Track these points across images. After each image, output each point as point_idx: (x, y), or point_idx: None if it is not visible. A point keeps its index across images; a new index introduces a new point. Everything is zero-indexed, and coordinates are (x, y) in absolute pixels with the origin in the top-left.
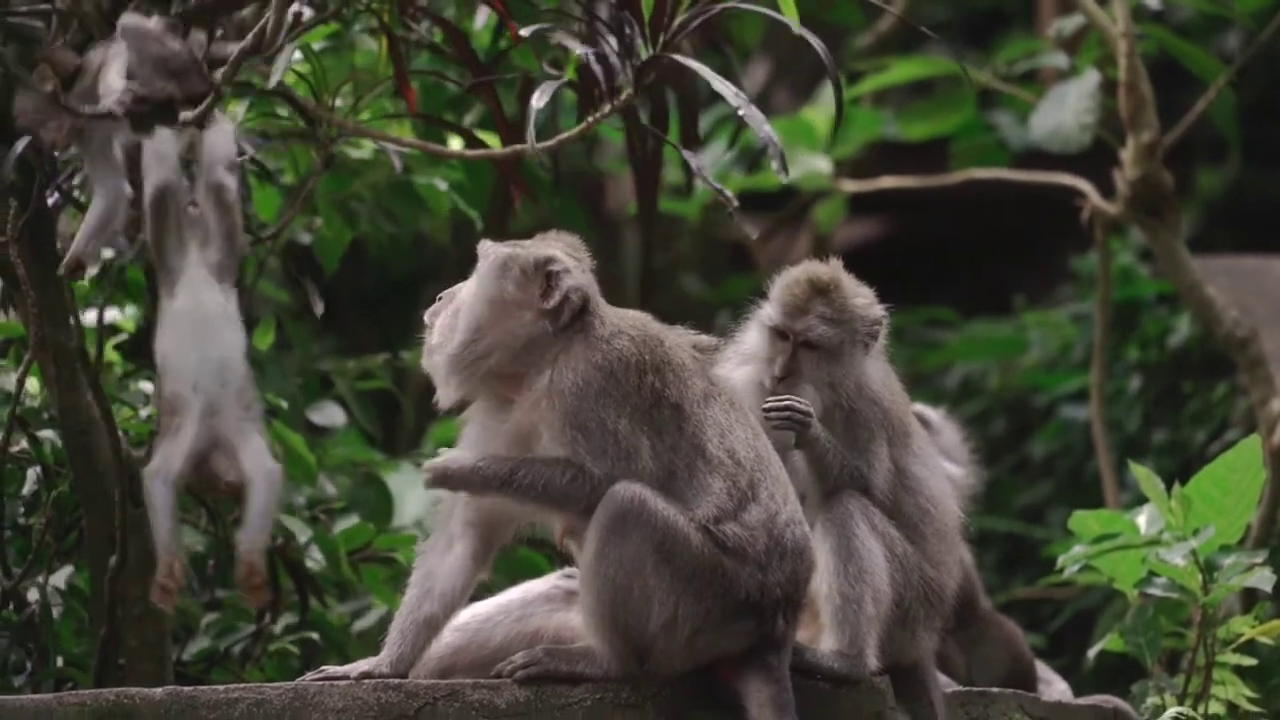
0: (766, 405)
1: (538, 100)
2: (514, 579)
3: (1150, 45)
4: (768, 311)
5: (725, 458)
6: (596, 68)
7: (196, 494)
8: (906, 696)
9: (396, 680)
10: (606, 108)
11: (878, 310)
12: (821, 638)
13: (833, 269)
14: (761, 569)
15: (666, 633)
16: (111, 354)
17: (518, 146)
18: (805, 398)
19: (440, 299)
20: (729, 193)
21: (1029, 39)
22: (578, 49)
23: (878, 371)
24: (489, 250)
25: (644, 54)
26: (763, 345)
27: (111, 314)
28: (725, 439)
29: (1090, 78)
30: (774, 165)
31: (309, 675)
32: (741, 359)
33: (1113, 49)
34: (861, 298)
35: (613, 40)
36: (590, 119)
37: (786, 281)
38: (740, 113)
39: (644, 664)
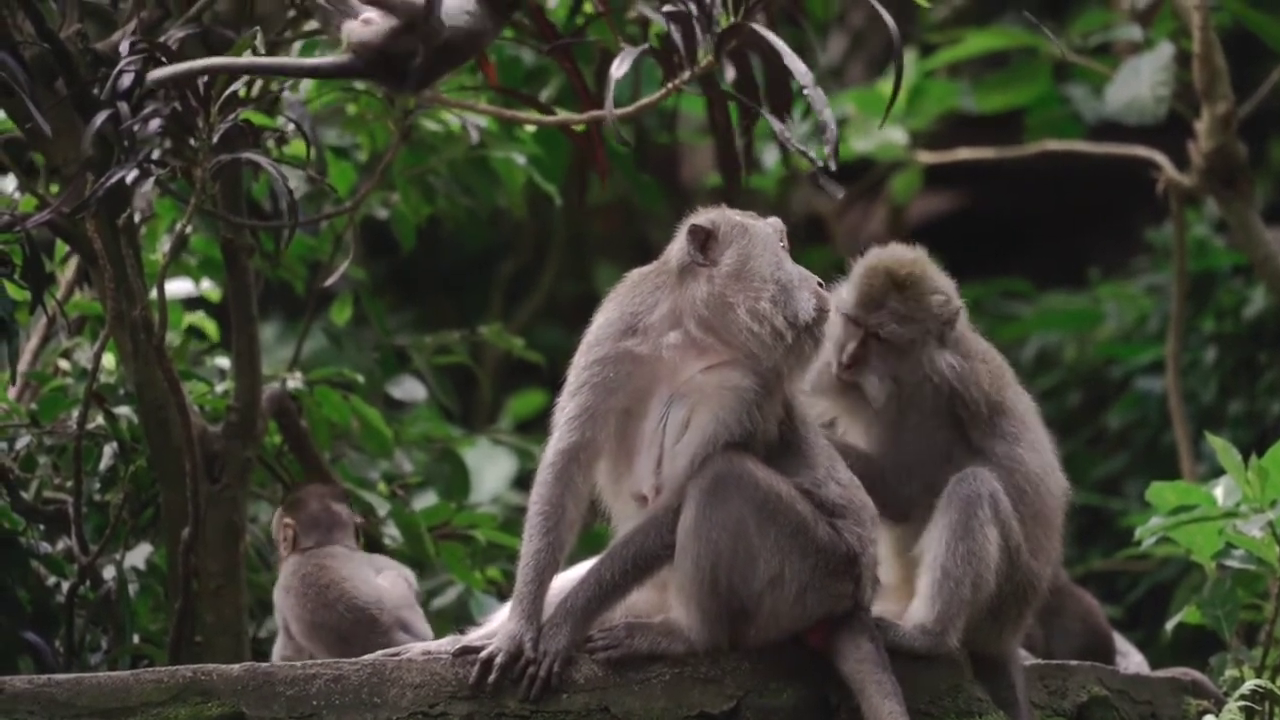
0: None
1: (618, 68)
2: (592, 551)
3: (1224, 17)
4: (843, 296)
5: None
6: (676, 33)
7: None
8: (986, 675)
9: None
10: (686, 74)
11: (953, 306)
12: (910, 606)
13: (914, 261)
14: (860, 524)
15: (773, 590)
16: (206, 324)
17: (596, 113)
18: (869, 388)
19: None
20: (813, 154)
21: (1103, 12)
22: (658, 16)
23: (956, 355)
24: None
25: (724, 23)
26: (834, 327)
27: (186, 286)
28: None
29: (1164, 50)
30: (826, 149)
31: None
32: None
33: (1187, 21)
34: (939, 294)
35: (693, 6)
36: (671, 84)
37: (865, 269)
38: (805, 92)
39: (747, 628)
